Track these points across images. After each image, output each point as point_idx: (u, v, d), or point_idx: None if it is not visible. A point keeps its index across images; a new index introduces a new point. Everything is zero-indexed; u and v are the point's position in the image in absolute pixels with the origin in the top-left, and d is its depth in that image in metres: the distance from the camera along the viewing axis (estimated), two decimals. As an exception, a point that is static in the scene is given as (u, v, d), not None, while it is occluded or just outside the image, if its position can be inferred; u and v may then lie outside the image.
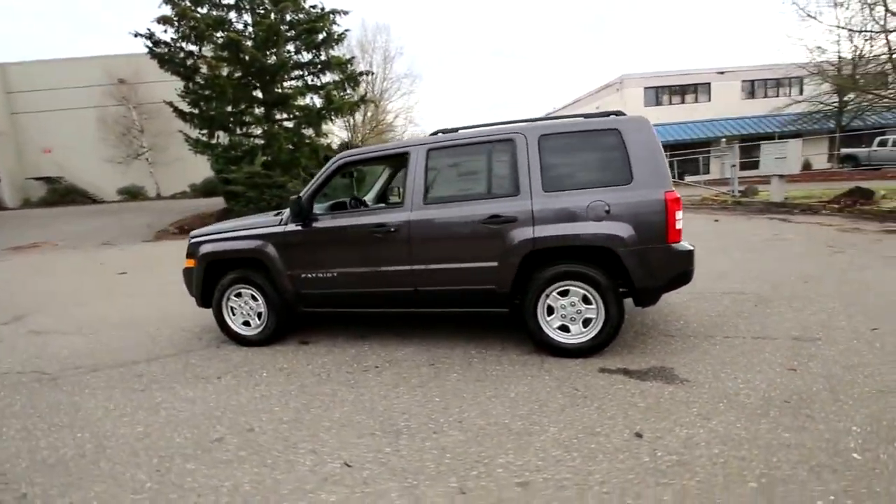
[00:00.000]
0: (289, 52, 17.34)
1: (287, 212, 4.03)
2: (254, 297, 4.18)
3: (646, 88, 26.82)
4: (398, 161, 4.21)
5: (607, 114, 3.58)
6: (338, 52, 18.25)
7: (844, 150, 22.62)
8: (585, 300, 3.42)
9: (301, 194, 3.90)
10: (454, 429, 2.68)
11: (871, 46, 14.39)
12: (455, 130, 3.79)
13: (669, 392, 2.94)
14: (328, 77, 18.16)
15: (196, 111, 16.83)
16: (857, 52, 15.85)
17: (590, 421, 2.68)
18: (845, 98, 19.60)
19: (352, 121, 23.68)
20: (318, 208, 4.05)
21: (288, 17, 16.94)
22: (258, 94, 17.67)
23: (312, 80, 18.11)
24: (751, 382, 3.02)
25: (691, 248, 3.32)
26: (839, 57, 16.99)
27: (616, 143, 3.34)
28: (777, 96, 26.90)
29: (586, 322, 3.46)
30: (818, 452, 2.30)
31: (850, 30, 13.43)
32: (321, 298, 3.97)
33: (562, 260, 3.42)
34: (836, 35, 17.18)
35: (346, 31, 17.67)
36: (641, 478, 2.19)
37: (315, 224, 3.91)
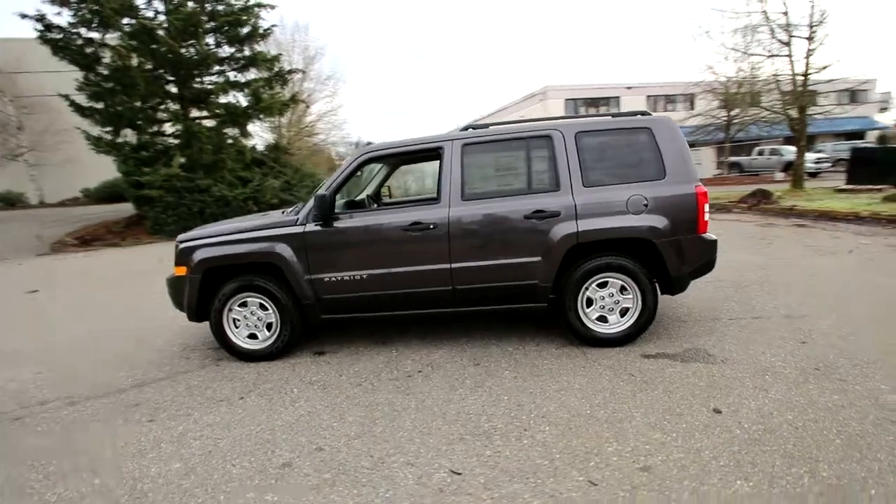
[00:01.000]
0: (208, 45, 16.00)
1: (303, 210, 3.71)
2: (262, 306, 3.78)
3: (566, 100, 28.69)
4: (427, 156, 4.04)
5: (634, 113, 3.77)
6: (262, 48, 17.21)
7: (732, 159, 25.91)
8: (623, 290, 3.56)
9: (324, 191, 3.61)
10: (543, 424, 2.64)
11: (752, 68, 16.63)
12: (485, 127, 3.75)
13: (718, 370, 3.15)
14: (252, 74, 17.03)
15: (98, 106, 14.90)
16: (740, 73, 18.22)
17: (666, 403, 2.78)
18: (732, 112, 22.46)
19: (277, 122, 22.38)
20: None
21: (208, 7, 15.64)
22: (172, 89, 16.08)
23: (235, 77, 16.87)
24: (778, 356, 3.33)
25: (716, 237, 3.59)
26: (726, 77, 19.38)
27: (648, 141, 3.51)
28: (675, 110, 30.12)
29: (623, 312, 3.59)
30: (869, 408, 2.60)
31: (742, 52, 15.41)
32: (347, 303, 3.71)
33: (600, 253, 3.52)
34: (724, 56, 19.73)
35: (274, 25, 16.74)
36: (745, 447, 2.32)
37: (337, 223, 3.64)
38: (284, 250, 3.64)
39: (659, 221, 3.42)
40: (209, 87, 16.30)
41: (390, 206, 3.83)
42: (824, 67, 12.37)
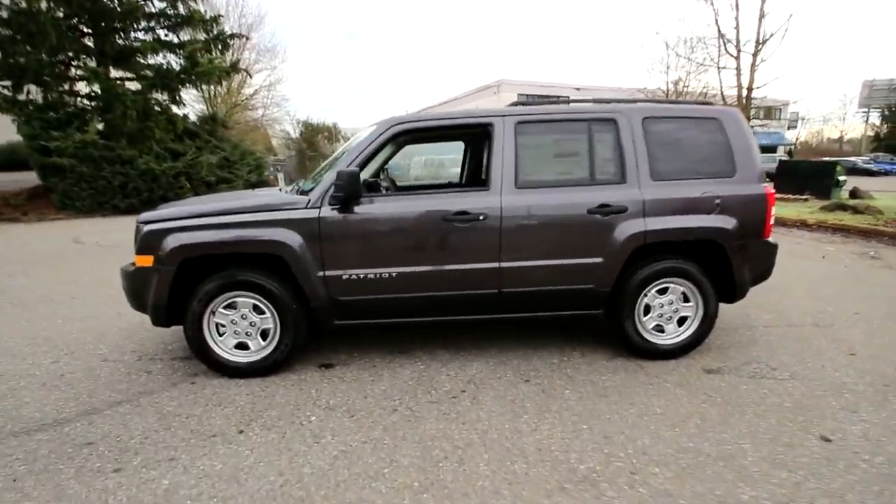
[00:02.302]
0: (135, -5, 13.87)
1: (317, 189, 2.93)
2: (256, 309, 2.97)
3: (519, 94, 28.57)
4: (470, 134, 3.40)
5: (697, 102, 3.37)
6: (198, 7, 15.27)
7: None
8: (683, 298, 3.17)
9: (347, 167, 2.86)
10: (650, 464, 2.16)
11: (693, 74, 17.43)
12: (539, 103, 3.17)
13: (793, 388, 2.85)
14: (187, 35, 15.08)
15: (-6, 55, 12.42)
16: (681, 83, 19.06)
17: (767, 431, 2.42)
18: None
19: (210, 92, 20.16)
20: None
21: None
22: (90, 43, 13.84)
23: (167, 36, 14.84)
24: (839, 369, 3.11)
25: (776, 242, 3.31)
26: (667, 83, 20.21)
27: (717, 133, 3.13)
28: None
29: (681, 321, 3.21)
30: (975, 427, 2.40)
31: (688, 58, 16.04)
32: (369, 307, 2.99)
33: (663, 256, 3.11)
34: (666, 66, 20.58)
35: (212, -17, 14.86)
36: (882, 483, 2.01)
37: (359, 209, 2.91)
38: (291, 239, 2.85)
39: (728, 223, 3.06)
40: (135, 44, 14.21)
41: (441, 192, 3.13)
42: (774, 79, 13.10)
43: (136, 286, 2.99)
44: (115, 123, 13.28)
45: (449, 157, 15.44)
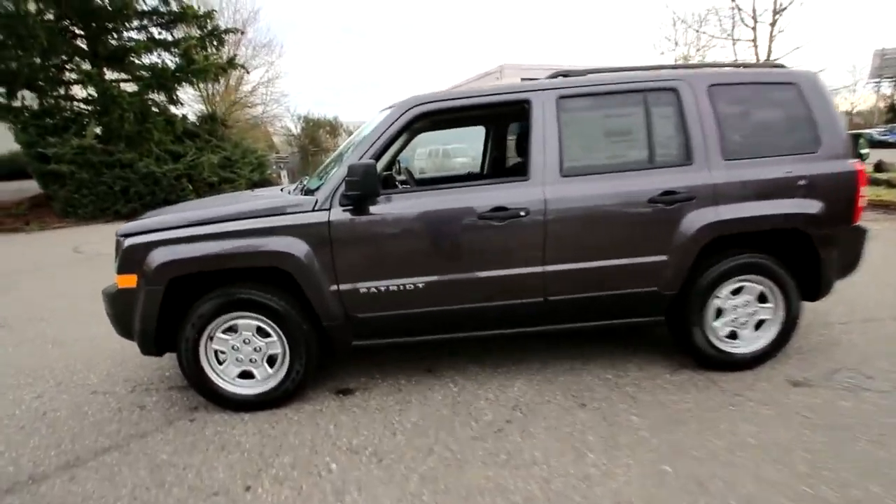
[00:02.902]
0: (126, -7, 13.33)
1: (324, 188, 2.44)
2: (261, 332, 2.51)
3: (522, 79, 27.58)
4: (498, 115, 2.90)
5: (764, 64, 2.83)
6: (191, 2, 14.70)
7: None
8: (761, 298, 2.67)
9: (361, 158, 2.37)
10: (766, 524, 1.69)
11: (699, 52, 16.64)
12: (582, 74, 2.65)
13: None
14: (181, 32, 14.55)
15: (-15, 60, 11.97)
16: (686, 56, 18.24)
17: (894, 465, 1.93)
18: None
19: (208, 90, 19.61)
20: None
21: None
22: (83, 45, 13.36)
23: (161, 34, 14.32)
24: (949, 378, 2.61)
25: (867, 227, 2.79)
26: (675, 60, 19.39)
27: (795, 100, 2.59)
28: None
29: (757, 325, 2.72)
30: None
31: (699, 31, 15.26)
32: (393, 324, 2.52)
33: (737, 248, 2.60)
34: (675, 42, 19.65)
35: (204, -23, 14.28)
36: None
37: (376, 208, 2.42)
38: (297, 248, 2.37)
39: (814, 207, 2.54)
40: (129, 44, 13.71)
41: (471, 185, 2.59)
42: (794, 49, 12.37)
43: (120, 311, 2.54)
44: (113, 127, 12.83)
45: (454, 147, 14.86)
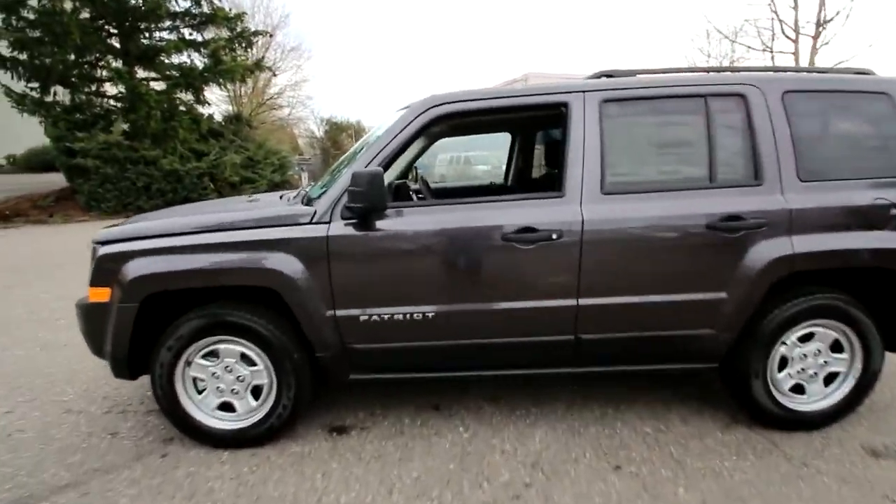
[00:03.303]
0: (160, -6, 13.43)
1: (324, 198, 2.09)
2: (245, 359, 2.16)
3: (545, 85, 27.03)
4: (528, 119, 2.53)
5: (854, 70, 2.39)
6: (223, 5, 14.75)
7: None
8: (835, 346, 2.22)
9: (367, 166, 2.01)
10: None
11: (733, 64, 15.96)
12: (630, 74, 2.25)
13: None
14: (211, 33, 14.60)
15: (22, 56, 12.15)
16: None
17: None
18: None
19: (236, 91, 19.73)
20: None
21: (158, -51, 13.06)
22: (116, 43, 13.50)
23: (191, 35, 14.39)
24: None
25: None
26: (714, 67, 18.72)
27: (887, 113, 2.14)
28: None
29: (828, 378, 2.26)
30: None
31: (733, 41, 14.64)
32: (397, 357, 2.15)
33: (811, 286, 2.16)
34: (707, 52, 18.92)
35: (236, -20, 14.30)
36: None
37: (383, 223, 2.05)
38: (289, 266, 2.02)
39: (907, 241, 2.09)
40: (160, 43, 13.79)
41: (494, 200, 2.21)
42: (839, 63, 11.67)
43: (92, 328, 2.22)
44: (140, 124, 12.89)
45: (475, 154, 14.47)
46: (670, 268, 2.07)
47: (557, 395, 2.62)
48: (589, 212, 2.02)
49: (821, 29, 11.63)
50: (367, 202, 1.91)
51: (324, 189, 2.21)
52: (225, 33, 14.42)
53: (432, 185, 3.42)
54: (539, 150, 3.43)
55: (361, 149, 2.31)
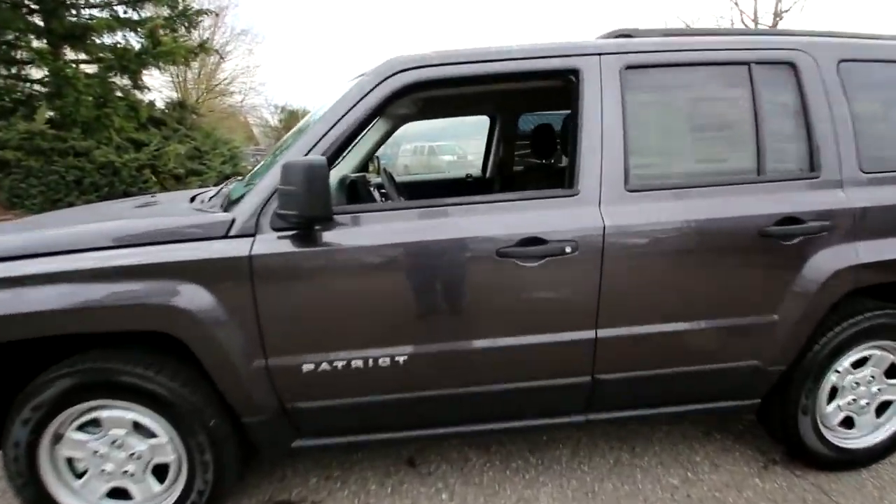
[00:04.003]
0: (85, -34, 11.94)
1: (246, 200, 1.45)
2: (141, 429, 1.50)
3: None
4: (525, 92, 1.94)
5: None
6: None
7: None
8: (889, 371, 1.81)
9: (305, 156, 1.38)
10: None
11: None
12: (656, 34, 1.71)
13: None
14: (149, 12, 13.17)
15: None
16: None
17: None
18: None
19: (181, 76, 18.05)
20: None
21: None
22: (37, 21, 11.93)
23: (126, 13, 12.93)
24: None
25: None
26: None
27: (958, 86, 1.73)
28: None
29: (881, 407, 1.85)
30: None
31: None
32: (357, 415, 1.56)
33: (867, 302, 1.73)
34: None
35: (174, -46, 12.88)
36: None
37: (333, 234, 1.44)
38: (193, 300, 1.37)
39: None
40: (89, 21, 12.28)
41: (481, 200, 1.55)
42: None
43: None
44: (68, 111, 11.44)
45: (441, 144, 13.80)
46: (712, 286, 1.58)
47: (557, 437, 2.11)
48: (611, 215, 1.49)
49: (778, 19, 11.70)
50: (303, 207, 1.29)
51: (249, 186, 1.56)
52: (165, 12, 13.07)
53: (397, 179, 2.80)
54: (533, 135, 2.82)
55: (302, 130, 1.67)
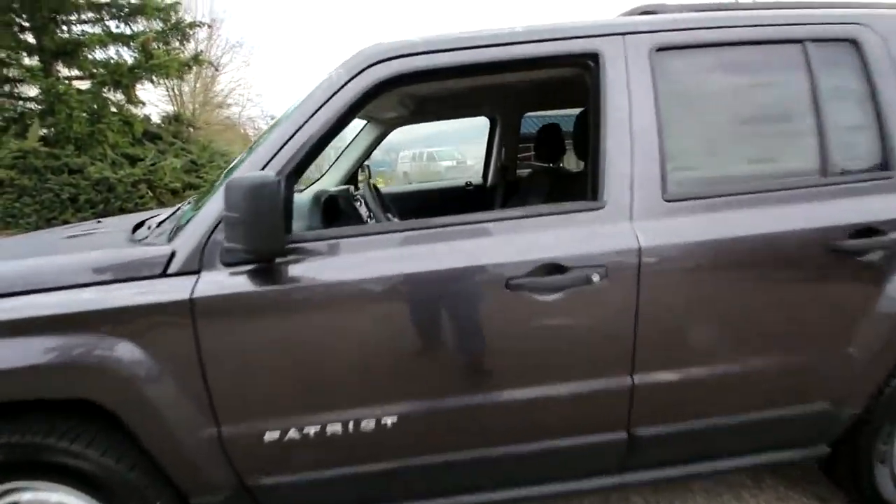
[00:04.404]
0: (77, -18, 11.77)
1: (189, 231, 1.16)
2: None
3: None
4: (532, 87, 1.64)
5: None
6: (155, -3, 13.14)
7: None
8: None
9: (258, 173, 1.09)
10: None
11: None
12: (684, 10, 1.42)
13: None
14: (141, 26, 13.00)
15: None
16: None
17: None
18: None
19: (177, 90, 17.86)
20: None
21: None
22: (29, 39, 11.80)
23: (118, 28, 12.75)
24: None
25: None
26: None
27: None
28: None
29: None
30: None
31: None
32: (335, 490, 1.25)
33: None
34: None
35: (168, -32, 12.72)
36: None
37: (299, 270, 1.14)
38: (122, 358, 1.07)
39: None
40: (80, 37, 12.11)
41: (487, 217, 1.24)
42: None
43: None
44: (61, 128, 11.24)
45: (439, 150, 13.50)
46: (772, 316, 1.27)
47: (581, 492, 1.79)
48: (647, 232, 1.18)
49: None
50: (249, 238, 0.99)
51: (196, 210, 1.26)
52: (158, 25, 12.90)
53: (394, 190, 2.50)
54: (538, 137, 2.51)
55: (263, 139, 1.37)
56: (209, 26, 16.73)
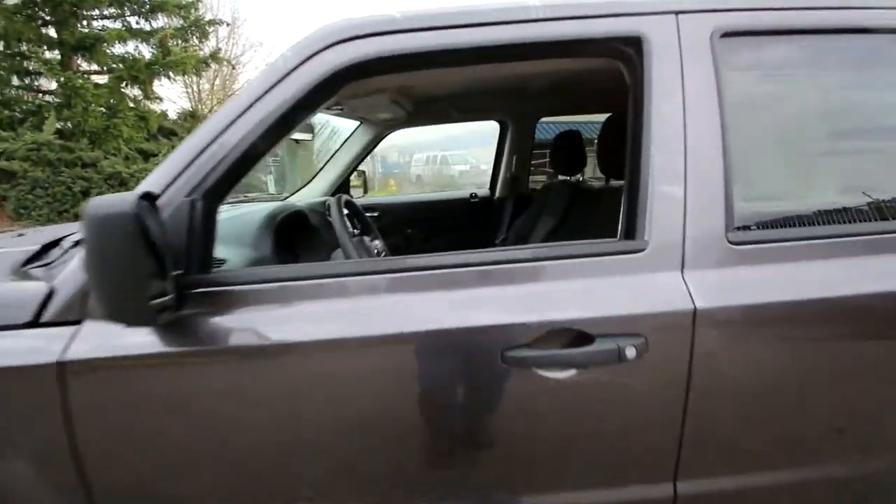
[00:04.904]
0: (98, -22, 11.83)
1: (68, 270, 0.85)
2: None
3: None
4: (552, 83, 1.32)
5: None
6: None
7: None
8: None
9: (172, 186, 0.77)
10: None
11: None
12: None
13: None
14: (161, 23, 13.04)
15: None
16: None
17: None
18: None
19: (195, 86, 17.92)
20: (230, 251, 0.93)
21: (94, -74, 11.46)
22: (50, 32, 11.91)
23: (138, 24, 12.80)
24: None
25: None
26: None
27: None
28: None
29: None
30: None
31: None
32: None
33: None
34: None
35: (190, -35, 12.71)
36: None
37: (221, 321, 0.82)
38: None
39: None
40: (100, 32, 12.16)
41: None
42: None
43: None
44: (77, 121, 11.25)
45: (452, 153, 13.18)
46: (870, 402, 0.91)
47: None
48: (705, 287, 0.83)
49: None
50: (103, 298, 0.69)
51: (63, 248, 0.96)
52: (177, 22, 12.91)
53: (379, 202, 2.17)
54: (555, 146, 2.14)
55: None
56: (228, 25, 16.79)
